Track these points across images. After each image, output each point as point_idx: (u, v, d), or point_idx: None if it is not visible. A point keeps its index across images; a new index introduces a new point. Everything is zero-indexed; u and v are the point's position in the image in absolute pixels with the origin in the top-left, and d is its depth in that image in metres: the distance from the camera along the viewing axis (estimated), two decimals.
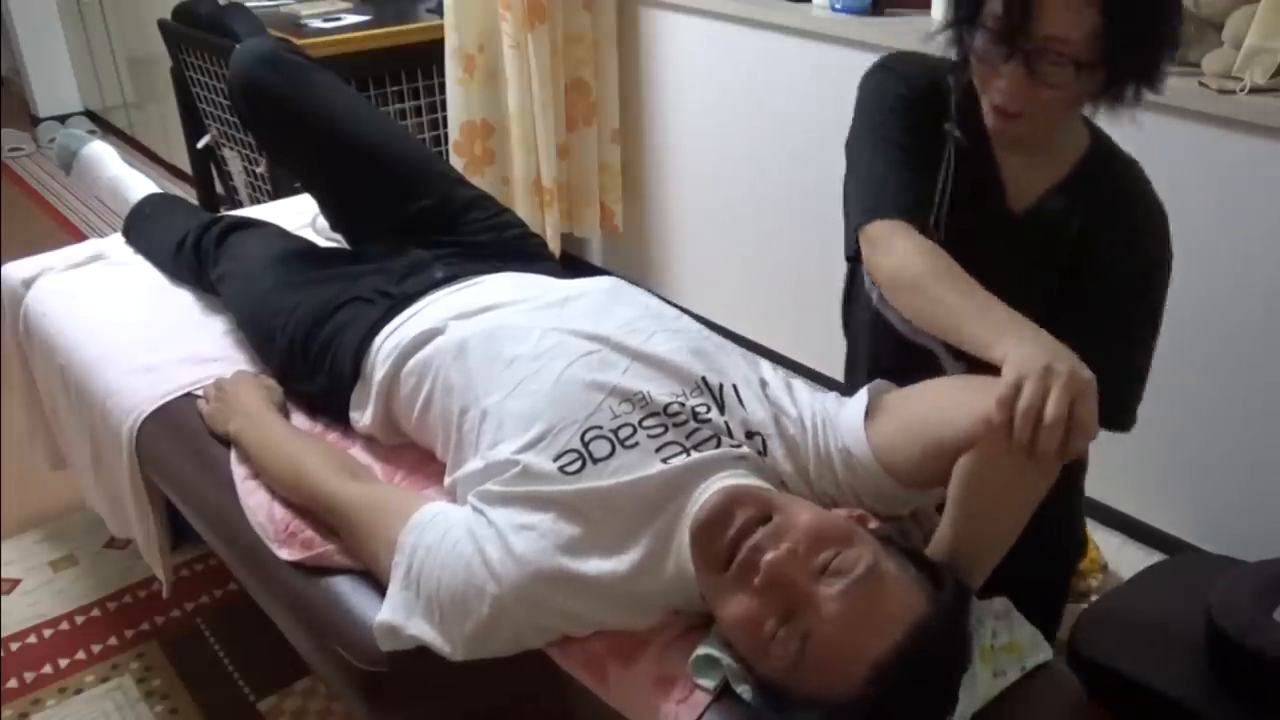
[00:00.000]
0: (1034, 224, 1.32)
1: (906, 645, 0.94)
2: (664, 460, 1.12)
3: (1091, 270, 1.31)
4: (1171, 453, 2.00)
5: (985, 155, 1.31)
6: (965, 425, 1.06)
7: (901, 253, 1.20)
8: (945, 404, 1.11)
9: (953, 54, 1.26)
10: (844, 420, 1.18)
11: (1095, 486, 2.14)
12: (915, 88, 1.31)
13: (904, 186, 1.27)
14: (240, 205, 2.99)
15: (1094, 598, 1.90)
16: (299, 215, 2.08)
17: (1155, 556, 2.04)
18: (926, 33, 1.29)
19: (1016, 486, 1.07)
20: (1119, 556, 2.04)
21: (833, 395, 1.24)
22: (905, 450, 1.13)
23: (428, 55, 2.80)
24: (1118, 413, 1.30)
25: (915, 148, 1.29)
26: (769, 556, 0.97)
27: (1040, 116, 1.21)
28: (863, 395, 1.20)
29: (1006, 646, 1.08)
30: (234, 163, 3.02)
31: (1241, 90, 1.71)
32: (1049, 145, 1.30)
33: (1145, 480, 2.09)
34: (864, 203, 1.27)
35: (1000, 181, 1.32)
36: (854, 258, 1.31)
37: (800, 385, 1.26)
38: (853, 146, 1.35)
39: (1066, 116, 1.26)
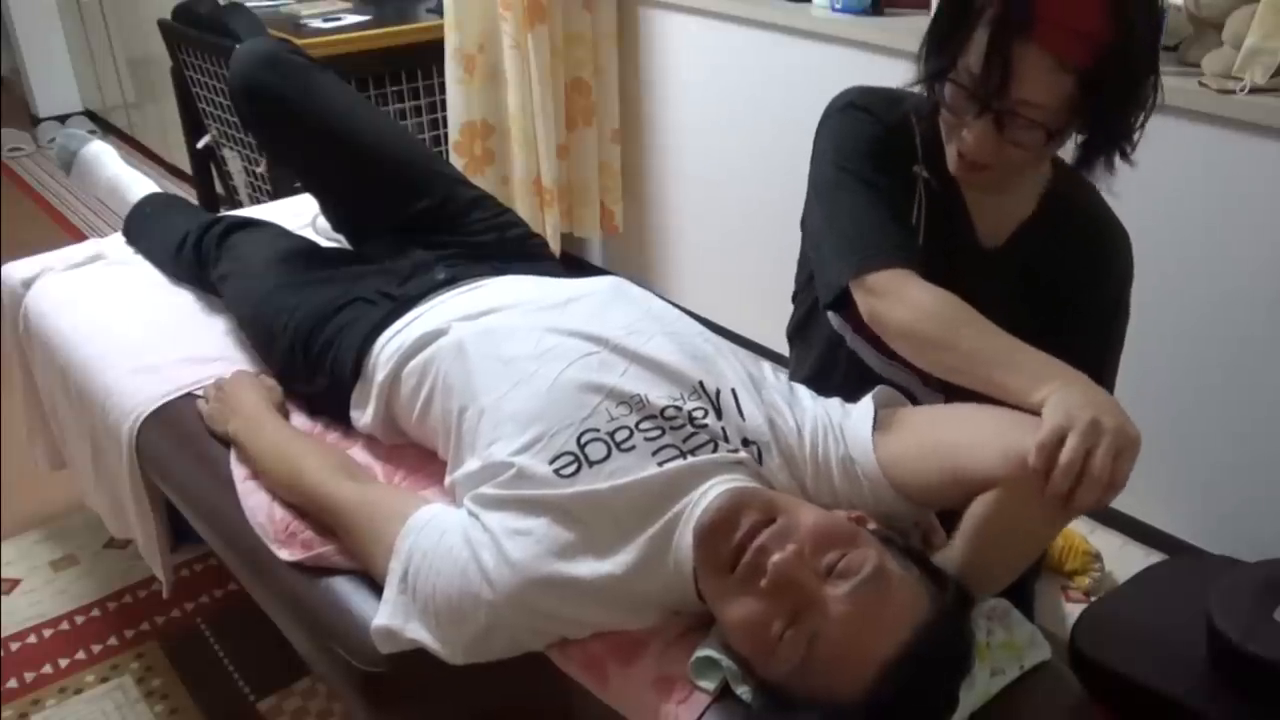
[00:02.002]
0: (1007, 261, 1.32)
1: (913, 645, 0.94)
2: (660, 464, 1.12)
3: (1067, 302, 1.32)
4: (1172, 453, 2.00)
5: (954, 195, 1.30)
6: (993, 460, 1.05)
7: (914, 304, 1.18)
8: (974, 434, 1.10)
9: (919, 90, 1.24)
10: (850, 430, 1.17)
11: None
12: (888, 128, 1.29)
13: (897, 233, 1.25)
14: (240, 205, 2.99)
15: (1094, 598, 1.91)
16: (299, 215, 2.08)
17: (1155, 556, 2.04)
18: (905, 80, 1.26)
19: (1036, 527, 1.07)
20: (1119, 556, 2.04)
21: (835, 401, 1.23)
22: (921, 470, 1.12)
23: (428, 55, 2.80)
24: None
25: (894, 191, 1.28)
26: (776, 558, 0.96)
27: (1005, 169, 1.21)
28: (868, 405, 1.19)
29: (1004, 645, 1.08)
30: (234, 163, 3.02)
31: (1241, 90, 1.71)
32: (1016, 184, 1.30)
33: (1146, 481, 2.08)
34: (857, 251, 1.24)
35: (970, 220, 1.32)
36: (833, 305, 1.29)
37: (803, 391, 1.26)
38: (828, 191, 1.31)
39: (1031, 170, 1.26)
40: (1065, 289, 1.32)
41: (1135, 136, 1.18)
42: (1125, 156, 1.20)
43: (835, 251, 1.27)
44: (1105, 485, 0.99)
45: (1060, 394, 1.04)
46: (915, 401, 1.34)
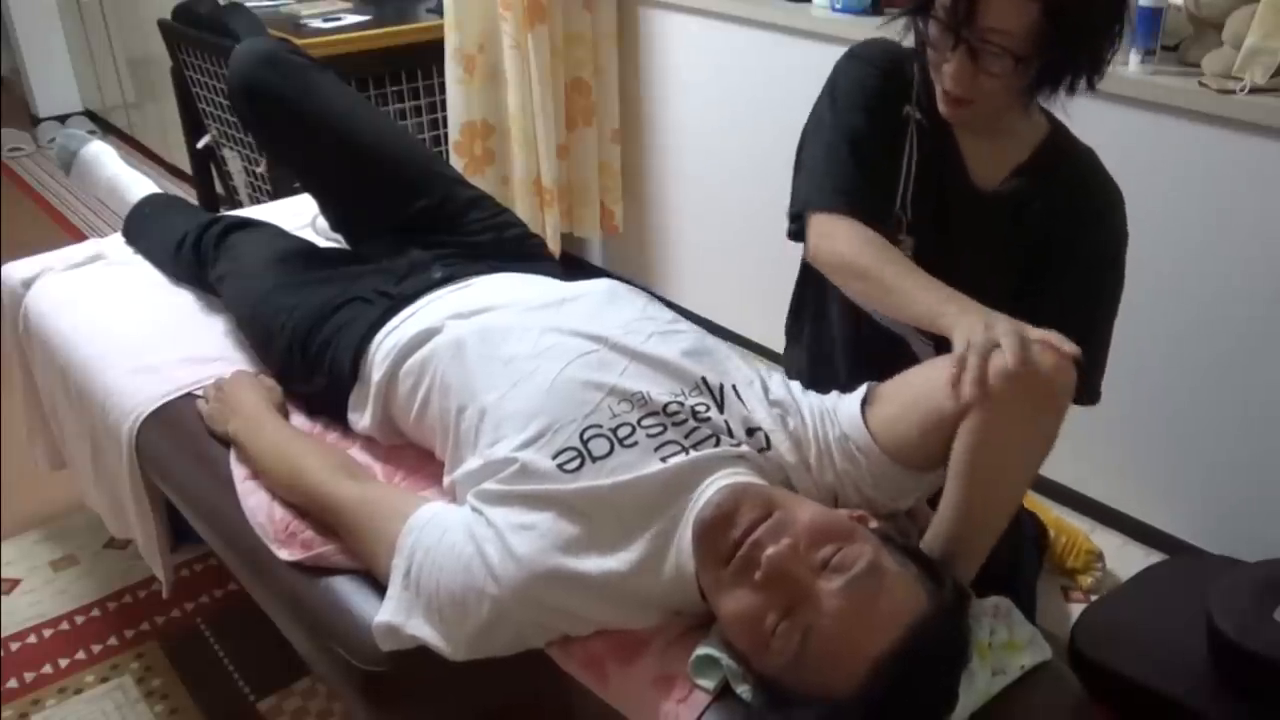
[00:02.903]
0: (999, 203, 1.37)
1: (907, 642, 0.94)
2: (663, 459, 1.12)
3: (1058, 250, 1.36)
4: (1172, 453, 2.00)
5: (947, 137, 1.36)
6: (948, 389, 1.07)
7: (845, 240, 1.28)
8: (933, 375, 1.12)
9: (912, 41, 1.32)
10: (842, 409, 1.19)
11: (1096, 486, 2.15)
12: (884, 73, 1.36)
13: (856, 179, 1.33)
14: (240, 205, 2.99)
15: (1094, 597, 1.91)
16: (299, 215, 2.08)
17: (1155, 556, 2.04)
18: (883, 20, 1.36)
19: (1017, 445, 1.08)
20: (1119, 556, 2.04)
21: (834, 393, 1.25)
22: (905, 428, 1.14)
23: (428, 55, 2.80)
24: (1087, 387, 1.32)
25: (877, 140, 1.34)
26: (770, 551, 0.97)
27: (986, 103, 1.26)
28: (861, 389, 1.21)
29: (1005, 645, 1.08)
30: (234, 163, 3.02)
31: (1241, 90, 1.71)
32: (1007, 129, 1.35)
33: (1146, 480, 2.09)
34: (812, 189, 1.33)
35: (963, 162, 1.37)
36: (792, 236, 1.39)
37: (798, 386, 1.27)
38: (816, 125, 1.40)
39: (1013, 104, 1.29)
40: (1057, 235, 1.36)
41: (1103, 67, 1.24)
42: (1091, 85, 1.25)
43: (797, 188, 1.38)
44: (1026, 335, 1.02)
45: (959, 311, 1.11)
46: (908, 348, 1.41)
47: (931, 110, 1.33)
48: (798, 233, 1.38)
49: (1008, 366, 1.00)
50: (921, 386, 1.15)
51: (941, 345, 1.27)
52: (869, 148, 1.34)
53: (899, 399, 1.17)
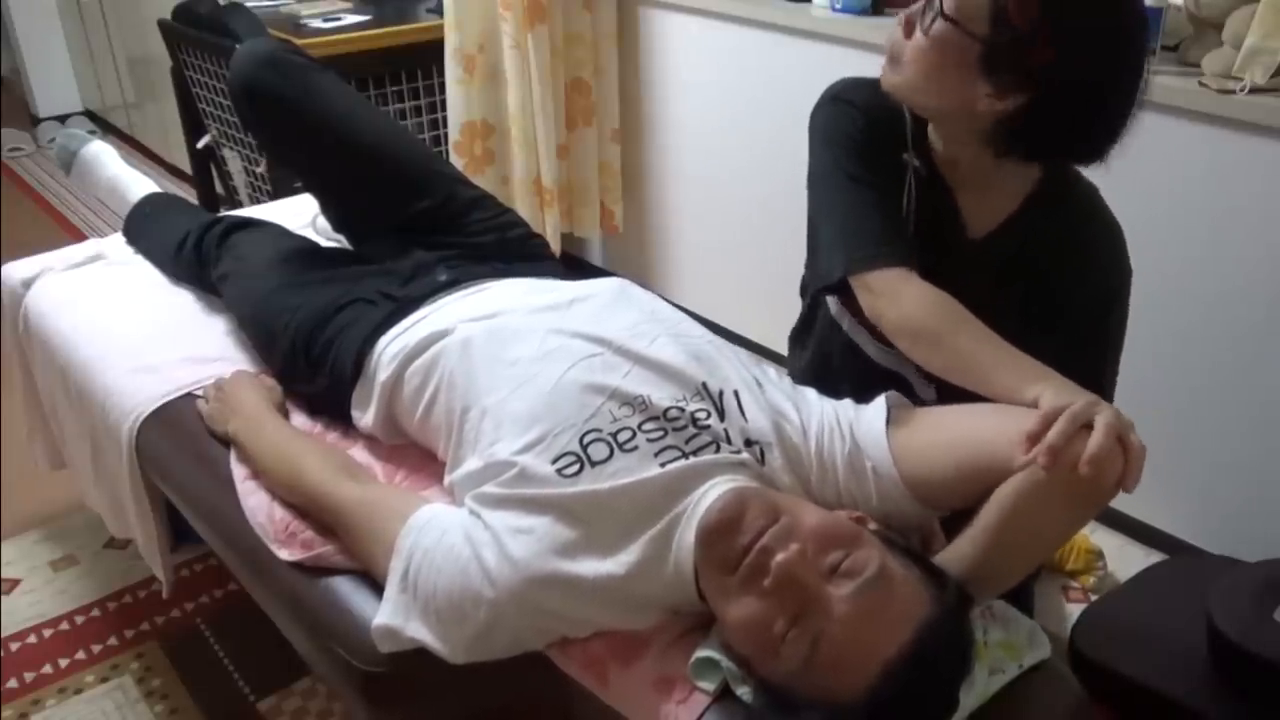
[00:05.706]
0: (989, 253, 1.34)
1: (916, 645, 0.94)
2: (662, 464, 1.12)
3: (1059, 294, 1.33)
4: (1172, 453, 2.00)
5: (941, 185, 1.32)
6: (1012, 448, 1.04)
7: (911, 303, 1.21)
8: (994, 424, 1.10)
9: None
10: (863, 427, 1.17)
11: None
12: (873, 118, 1.31)
13: (893, 230, 1.28)
14: (240, 205, 2.99)
15: (1094, 597, 1.91)
16: (299, 215, 2.08)
17: (1155, 556, 2.04)
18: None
19: (1058, 518, 1.07)
20: (1119, 556, 2.04)
21: (847, 401, 1.23)
22: (938, 463, 1.12)
23: (428, 55, 2.80)
24: None
25: (885, 184, 1.30)
26: (779, 558, 0.97)
27: (910, 74, 1.20)
28: (880, 403, 1.19)
29: (1001, 644, 1.08)
30: (234, 163, 3.02)
31: (1241, 90, 1.71)
32: (997, 181, 1.30)
33: (1146, 480, 2.08)
34: (855, 249, 1.26)
35: (957, 211, 1.34)
36: (822, 292, 1.34)
37: (810, 391, 1.26)
38: (821, 184, 1.34)
39: (936, 84, 1.20)
40: (1052, 280, 1.33)
41: (1088, 138, 1.18)
42: (1082, 155, 1.20)
43: (831, 244, 1.31)
44: (1120, 448, 1.00)
45: (1053, 390, 1.07)
46: (908, 388, 1.37)
47: (926, 155, 1.30)
48: (821, 291, 1.34)
49: (1092, 452, 0.98)
50: (975, 428, 1.11)
51: (943, 388, 1.25)
52: (887, 195, 1.30)
53: (934, 433, 1.14)
